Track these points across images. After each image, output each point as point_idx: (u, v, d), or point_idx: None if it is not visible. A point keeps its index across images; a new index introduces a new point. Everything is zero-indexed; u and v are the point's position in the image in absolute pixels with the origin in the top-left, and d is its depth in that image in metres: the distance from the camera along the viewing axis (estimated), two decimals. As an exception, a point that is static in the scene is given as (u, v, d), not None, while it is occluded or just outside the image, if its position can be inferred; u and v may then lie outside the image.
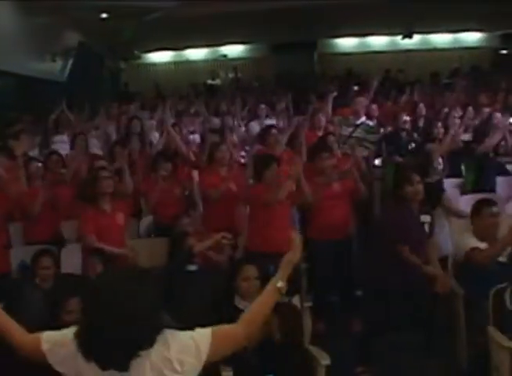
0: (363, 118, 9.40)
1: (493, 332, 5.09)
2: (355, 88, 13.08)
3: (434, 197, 6.74)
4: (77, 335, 2.62)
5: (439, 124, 8.91)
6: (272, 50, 20.23)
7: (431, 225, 6.00)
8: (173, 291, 5.52)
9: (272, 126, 8.93)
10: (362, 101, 9.60)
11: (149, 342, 2.62)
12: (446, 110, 10.73)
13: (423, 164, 7.29)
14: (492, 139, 8.52)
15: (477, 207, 5.95)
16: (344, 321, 6.78)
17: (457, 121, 9.66)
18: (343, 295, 7.17)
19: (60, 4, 13.61)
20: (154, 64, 20.92)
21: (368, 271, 6.60)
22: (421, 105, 10.68)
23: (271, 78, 19.26)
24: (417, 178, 5.92)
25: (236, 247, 6.67)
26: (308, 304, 5.90)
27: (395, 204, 5.98)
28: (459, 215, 7.02)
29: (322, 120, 9.28)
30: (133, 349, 2.59)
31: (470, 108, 10.57)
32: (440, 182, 7.84)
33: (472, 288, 5.54)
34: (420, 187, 5.89)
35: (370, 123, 9.48)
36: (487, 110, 10.48)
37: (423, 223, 5.90)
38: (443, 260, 6.14)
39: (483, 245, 5.57)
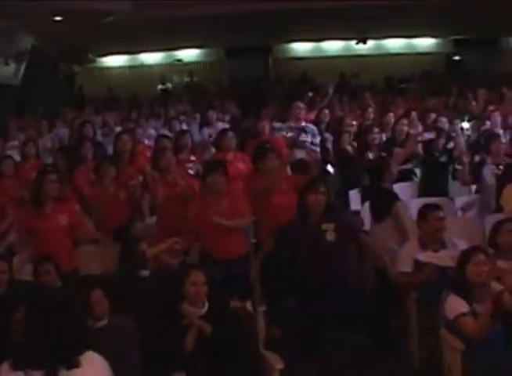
0: (303, 123, 9.42)
1: (445, 333, 5.15)
2: (310, 94, 13.12)
3: (385, 203, 6.74)
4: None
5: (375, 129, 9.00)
6: (227, 54, 20.23)
7: None
8: (124, 297, 5.46)
9: (226, 129, 8.92)
10: (299, 106, 9.64)
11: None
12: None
13: (379, 168, 7.28)
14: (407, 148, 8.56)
15: (423, 211, 6.02)
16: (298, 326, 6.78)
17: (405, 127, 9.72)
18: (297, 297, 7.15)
19: (13, 7, 13.42)
20: (109, 68, 20.78)
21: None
22: (370, 109, 10.79)
23: (225, 82, 19.26)
24: (322, 188, 5.93)
25: (187, 252, 6.63)
26: (262, 308, 5.89)
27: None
28: (403, 227, 6.70)
29: (267, 126, 9.29)
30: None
31: (414, 113, 10.67)
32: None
33: (424, 290, 5.60)
34: (322, 198, 5.88)
35: (313, 127, 9.51)
36: (433, 115, 10.57)
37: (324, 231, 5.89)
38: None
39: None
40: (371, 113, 10.64)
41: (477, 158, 8.61)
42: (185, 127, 10.79)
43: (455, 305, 5.02)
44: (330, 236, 5.82)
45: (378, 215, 6.69)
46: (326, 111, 10.37)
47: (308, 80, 17.94)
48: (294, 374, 5.21)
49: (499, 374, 4.85)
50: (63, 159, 8.09)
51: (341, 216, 6.34)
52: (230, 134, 8.30)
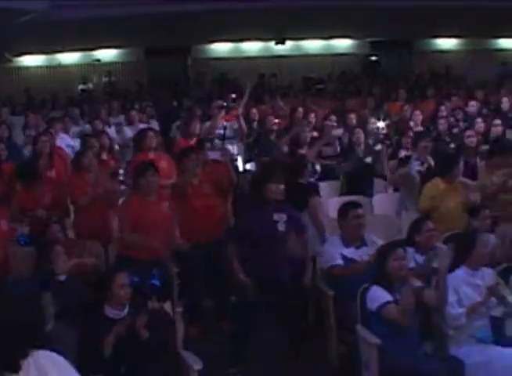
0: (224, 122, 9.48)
1: (361, 330, 5.24)
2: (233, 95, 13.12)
3: (302, 198, 6.86)
4: None
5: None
6: (146, 54, 20.07)
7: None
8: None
9: (147, 129, 8.85)
10: (218, 104, 9.69)
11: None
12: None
13: (296, 164, 7.41)
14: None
15: (343, 209, 6.12)
16: (218, 325, 6.80)
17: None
18: (217, 299, 7.17)
19: None
20: (26, 68, 20.35)
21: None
22: (287, 109, 10.94)
23: (145, 83, 19.10)
24: (281, 177, 6.02)
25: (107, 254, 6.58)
26: (180, 309, 5.88)
27: (254, 202, 6.07)
28: (319, 221, 6.99)
29: (197, 127, 9.29)
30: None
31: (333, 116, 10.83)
32: (314, 184, 7.97)
33: (341, 288, 5.68)
34: (281, 187, 5.98)
35: (236, 125, 9.58)
36: (352, 115, 10.75)
37: (276, 221, 5.97)
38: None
39: None
40: (300, 112, 10.79)
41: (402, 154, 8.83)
42: (103, 127, 10.66)
43: (379, 295, 5.16)
44: (281, 227, 5.90)
45: (295, 209, 6.83)
46: (254, 110, 10.48)
47: (227, 80, 17.96)
48: (213, 374, 5.22)
49: (414, 368, 4.98)
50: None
51: (291, 208, 6.36)
52: (150, 133, 8.26)
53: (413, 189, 7.94)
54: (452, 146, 9.54)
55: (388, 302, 5.10)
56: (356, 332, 5.29)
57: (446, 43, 21.54)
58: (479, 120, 10.24)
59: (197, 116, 10.08)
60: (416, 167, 8.24)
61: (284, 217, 5.99)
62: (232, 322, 6.20)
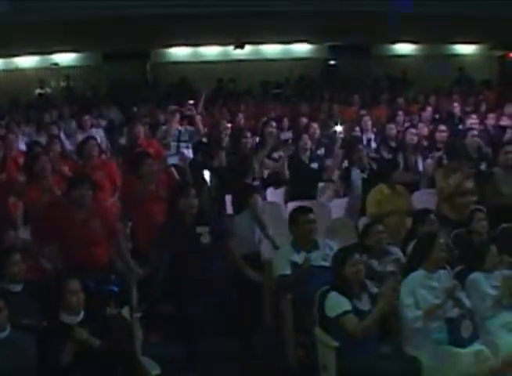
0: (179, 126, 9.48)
1: (319, 333, 5.27)
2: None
3: (243, 195, 6.96)
4: None
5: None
6: (105, 59, 19.95)
7: None
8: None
9: (89, 138, 8.74)
10: (172, 108, 9.70)
11: None
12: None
13: (241, 166, 7.49)
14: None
15: (294, 215, 6.16)
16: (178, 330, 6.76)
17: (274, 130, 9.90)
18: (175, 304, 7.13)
19: None
20: (-18, 71, 20.13)
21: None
22: (240, 115, 10.96)
23: (103, 87, 19.00)
24: (193, 191, 6.02)
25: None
26: (139, 314, 5.85)
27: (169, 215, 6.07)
28: (259, 218, 7.08)
29: (141, 131, 9.25)
30: None
31: (286, 119, 10.87)
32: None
33: (298, 290, 5.70)
34: (195, 201, 5.98)
35: (191, 128, 9.57)
36: (305, 120, 10.78)
37: (199, 234, 5.98)
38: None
39: None
40: (241, 118, 10.81)
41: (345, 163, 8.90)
42: (57, 132, 10.58)
43: (337, 303, 5.19)
44: (205, 239, 5.89)
45: (237, 207, 7.01)
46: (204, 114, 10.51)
47: (186, 85, 17.93)
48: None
49: (372, 369, 5.02)
50: None
51: (214, 219, 6.41)
52: (92, 142, 8.18)
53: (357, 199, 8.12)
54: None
55: (347, 312, 5.13)
56: (314, 335, 5.32)
57: (404, 48, 21.79)
58: (421, 124, 10.33)
59: (140, 120, 10.07)
60: (357, 176, 8.37)
61: (206, 229, 5.98)
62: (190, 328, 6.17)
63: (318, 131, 9.66)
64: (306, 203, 7.41)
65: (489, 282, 5.72)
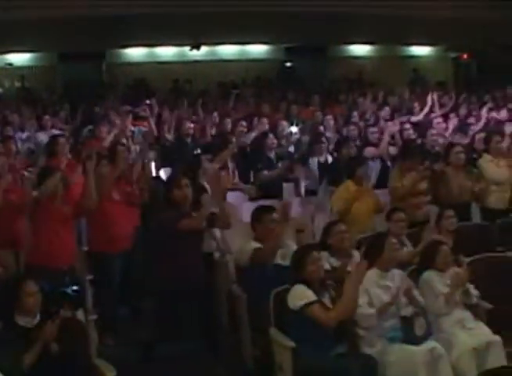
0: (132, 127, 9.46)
1: (275, 333, 5.29)
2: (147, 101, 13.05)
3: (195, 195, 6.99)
4: None
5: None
6: (60, 59, 19.76)
7: None
8: None
9: (58, 135, 8.73)
10: (126, 109, 9.68)
11: None
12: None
13: (193, 167, 7.53)
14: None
15: (257, 214, 6.17)
16: (133, 332, 6.74)
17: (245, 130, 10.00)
18: (132, 306, 7.13)
19: None
20: None
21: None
22: (215, 114, 10.98)
23: (59, 88, 18.81)
24: (185, 181, 6.03)
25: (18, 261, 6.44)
26: (94, 317, 5.82)
27: (166, 206, 6.04)
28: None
29: (104, 130, 9.22)
30: None
31: (256, 119, 10.89)
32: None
33: (254, 291, 5.72)
34: (188, 191, 6.00)
35: (144, 130, 9.57)
36: (264, 120, 10.82)
37: None
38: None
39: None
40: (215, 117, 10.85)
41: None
42: (11, 133, 10.46)
43: (301, 294, 5.21)
44: None
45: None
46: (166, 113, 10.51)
47: (142, 85, 17.85)
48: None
49: (328, 368, 5.06)
50: None
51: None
52: (62, 140, 8.15)
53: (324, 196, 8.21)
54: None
55: (314, 302, 5.17)
56: (270, 335, 5.34)
57: (359, 49, 21.97)
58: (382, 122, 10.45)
59: (104, 120, 10.02)
60: (314, 165, 8.50)
61: None
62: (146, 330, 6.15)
63: (285, 130, 9.77)
64: (270, 202, 7.42)
65: (442, 280, 5.80)
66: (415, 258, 6.26)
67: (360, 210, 7.33)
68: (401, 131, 10.19)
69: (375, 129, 9.69)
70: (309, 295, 5.20)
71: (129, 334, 6.63)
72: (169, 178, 7.23)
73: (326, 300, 5.36)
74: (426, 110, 11.71)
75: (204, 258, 6.31)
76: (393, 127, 9.96)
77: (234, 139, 9.11)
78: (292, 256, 5.58)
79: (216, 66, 19.71)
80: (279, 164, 8.83)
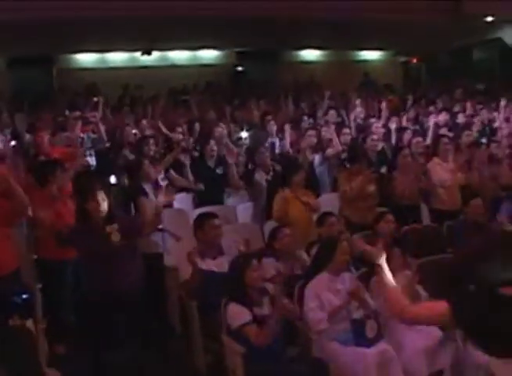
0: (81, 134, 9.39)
1: (226, 339, 5.30)
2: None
3: (132, 198, 7.08)
4: None
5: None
6: (10, 64, 19.52)
7: None
8: None
9: None
10: (75, 115, 9.62)
11: None
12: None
13: (132, 167, 7.67)
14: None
15: (199, 220, 6.17)
16: (83, 341, 6.67)
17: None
18: (81, 314, 7.03)
19: None
20: None
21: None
22: (144, 121, 10.95)
23: (8, 93, 18.56)
24: (101, 195, 5.95)
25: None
26: (43, 326, 5.75)
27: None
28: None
29: (45, 138, 9.09)
30: None
31: (197, 124, 10.88)
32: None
33: (205, 298, 5.72)
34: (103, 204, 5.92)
35: (93, 136, 9.51)
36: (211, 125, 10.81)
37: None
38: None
39: None
40: (145, 124, 10.81)
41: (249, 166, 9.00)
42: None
43: (237, 314, 5.21)
44: (115, 237, 5.78)
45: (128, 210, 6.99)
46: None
47: (94, 91, 17.67)
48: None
49: (280, 373, 5.08)
50: None
51: (123, 216, 6.27)
52: None
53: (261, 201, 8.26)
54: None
55: (246, 324, 5.16)
56: (221, 341, 5.34)
57: (310, 54, 22.11)
58: (325, 128, 10.50)
59: (43, 127, 9.93)
60: (262, 178, 8.50)
61: (115, 226, 5.87)
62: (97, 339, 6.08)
63: (225, 136, 9.74)
64: (213, 208, 7.43)
65: (392, 283, 5.85)
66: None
67: (300, 216, 7.37)
68: (340, 135, 10.23)
69: (312, 133, 9.72)
70: (242, 316, 5.20)
71: (80, 343, 6.55)
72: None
73: (266, 307, 5.36)
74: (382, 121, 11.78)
75: (153, 257, 6.28)
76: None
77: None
78: (231, 264, 5.58)
79: (167, 71, 19.63)
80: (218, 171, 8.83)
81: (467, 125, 12.01)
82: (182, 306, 6.10)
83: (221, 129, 9.96)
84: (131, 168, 7.66)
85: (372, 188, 7.86)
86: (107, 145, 9.68)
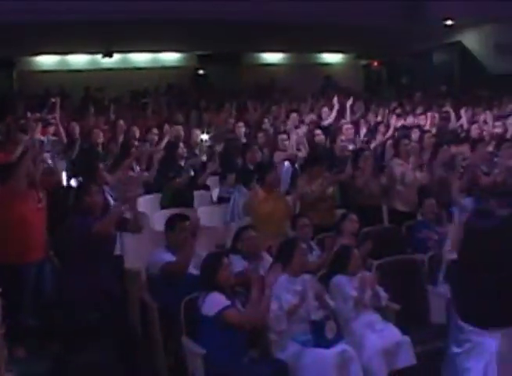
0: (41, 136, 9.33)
1: (186, 341, 5.31)
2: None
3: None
4: None
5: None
6: (-32, 67, 19.34)
7: None
8: None
9: None
10: (35, 117, 9.56)
11: None
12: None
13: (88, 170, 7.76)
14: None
15: (171, 222, 6.17)
16: (44, 344, 6.63)
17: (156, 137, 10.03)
18: (42, 317, 6.99)
19: None
20: None
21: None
22: (121, 122, 10.87)
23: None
24: (95, 188, 6.00)
25: None
26: (3, 330, 5.69)
27: (77, 214, 5.97)
28: None
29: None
30: None
31: (167, 126, 10.86)
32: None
33: (166, 300, 5.71)
34: (99, 197, 5.97)
35: (53, 138, 9.47)
36: (179, 128, 10.80)
37: None
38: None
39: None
40: (122, 125, 10.76)
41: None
42: None
43: (215, 301, 5.24)
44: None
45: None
46: (73, 124, 10.38)
47: (52, 93, 17.51)
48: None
49: (241, 374, 5.11)
50: None
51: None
52: None
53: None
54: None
55: (228, 306, 5.21)
56: (182, 343, 5.35)
57: (272, 57, 22.19)
58: (295, 130, 10.55)
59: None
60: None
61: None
62: (57, 342, 6.05)
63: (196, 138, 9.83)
64: (181, 210, 7.41)
65: (351, 284, 5.93)
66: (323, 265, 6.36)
67: (271, 215, 7.36)
68: (312, 135, 10.32)
69: (284, 136, 9.77)
70: (224, 301, 5.24)
71: (40, 347, 6.51)
72: (79, 185, 7.16)
73: (238, 305, 5.40)
74: (334, 114, 11.92)
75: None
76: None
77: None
78: (202, 263, 5.58)
79: (129, 73, 19.56)
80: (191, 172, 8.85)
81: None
82: (142, 308, 6.08)
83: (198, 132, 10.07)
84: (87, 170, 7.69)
85: (331, 190, 7.93)
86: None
